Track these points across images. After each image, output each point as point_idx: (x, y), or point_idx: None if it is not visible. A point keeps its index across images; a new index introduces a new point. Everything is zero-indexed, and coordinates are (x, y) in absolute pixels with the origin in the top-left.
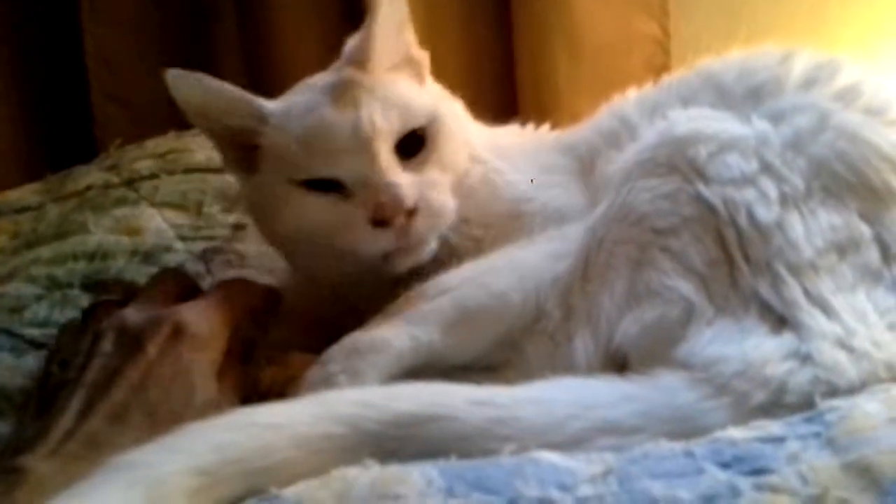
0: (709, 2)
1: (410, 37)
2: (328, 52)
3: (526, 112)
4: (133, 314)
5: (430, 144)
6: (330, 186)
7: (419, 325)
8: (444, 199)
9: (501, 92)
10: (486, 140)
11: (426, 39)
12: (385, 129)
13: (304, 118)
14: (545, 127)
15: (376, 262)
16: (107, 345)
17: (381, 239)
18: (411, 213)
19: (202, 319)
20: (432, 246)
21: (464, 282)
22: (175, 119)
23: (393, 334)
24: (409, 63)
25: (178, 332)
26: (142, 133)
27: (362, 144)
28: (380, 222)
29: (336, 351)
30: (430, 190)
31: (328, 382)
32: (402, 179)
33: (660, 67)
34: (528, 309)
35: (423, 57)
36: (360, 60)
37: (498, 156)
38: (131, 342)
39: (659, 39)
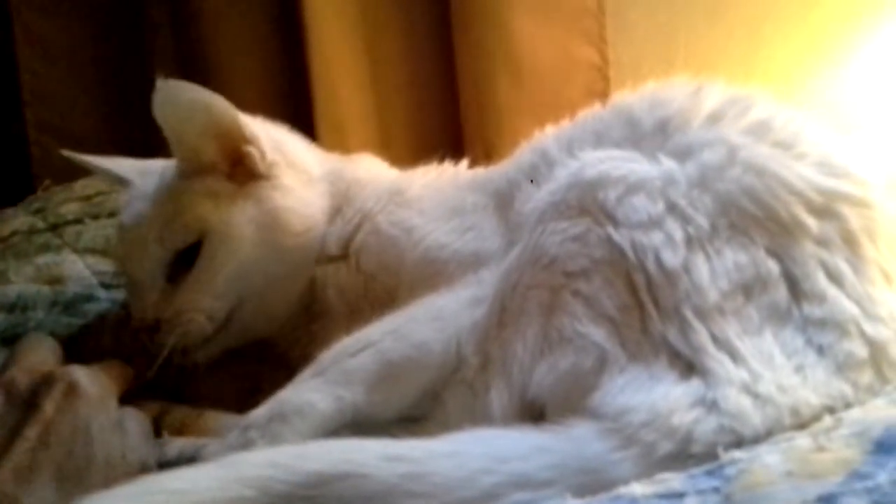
0: (646, 27)
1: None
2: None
3: (471, 137)
4: (20, 375)
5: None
6: None
7: (343, 385)
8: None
9: (446, 118)
10: (385, 189)
11: (369, 68)
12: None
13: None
14: (463, 165)
15: None
16: None
17: None
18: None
19: (94, 380)
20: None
21: (385, 335)
22: (115, 152)
23: (318, 397)
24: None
25: (71, 390)
26: (81, 169)
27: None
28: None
29: (258, 416)
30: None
31: (246, 447)
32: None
33: (599, 93)
34: (450, 358)
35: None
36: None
37: (398, 204)
38: (25, 401)
39: (598, 65)
